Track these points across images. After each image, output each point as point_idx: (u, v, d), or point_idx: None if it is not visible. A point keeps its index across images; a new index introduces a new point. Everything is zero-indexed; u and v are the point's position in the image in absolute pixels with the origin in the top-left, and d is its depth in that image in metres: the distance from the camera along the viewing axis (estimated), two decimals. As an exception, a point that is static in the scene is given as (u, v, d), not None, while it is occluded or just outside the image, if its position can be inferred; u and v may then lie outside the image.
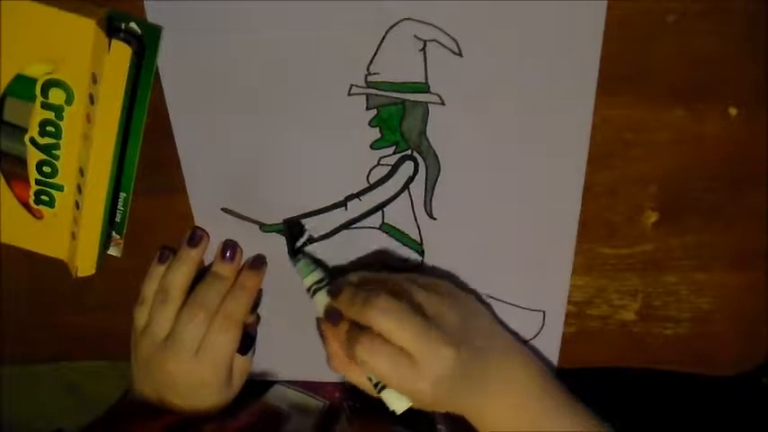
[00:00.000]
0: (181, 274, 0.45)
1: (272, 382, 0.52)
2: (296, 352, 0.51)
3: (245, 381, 0.49)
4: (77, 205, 0.42)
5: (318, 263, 0.47)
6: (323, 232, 0.46)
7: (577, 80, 0.40)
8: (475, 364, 0.41)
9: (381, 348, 0.40)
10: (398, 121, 0.42)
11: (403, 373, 0.40)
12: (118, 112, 0.40)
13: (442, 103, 0.41)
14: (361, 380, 0.43)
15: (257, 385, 0.51)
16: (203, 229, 0.46)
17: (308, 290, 0.45)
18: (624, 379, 0.53)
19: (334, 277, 0.45)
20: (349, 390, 0.52)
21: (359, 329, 0.41)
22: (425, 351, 0.39)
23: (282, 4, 0.38)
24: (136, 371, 0.47)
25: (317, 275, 0.45)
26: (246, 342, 0.46)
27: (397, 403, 0.42)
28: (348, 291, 0.42)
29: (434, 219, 0.45)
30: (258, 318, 0.49)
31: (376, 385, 0.42)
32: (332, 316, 0.43)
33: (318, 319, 0.46)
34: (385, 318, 0.39)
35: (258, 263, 0.47)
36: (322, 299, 0.44)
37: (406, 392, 0.41)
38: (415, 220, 0.45)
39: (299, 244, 0.46)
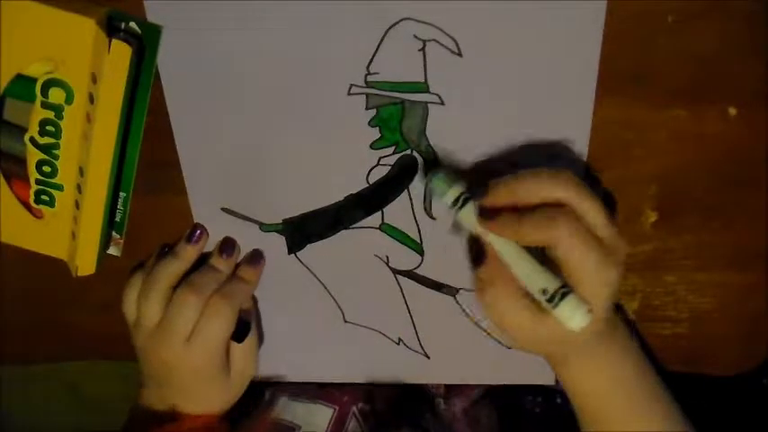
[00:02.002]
0: (169, 266, 0.44)
1: (274, 389, 0.52)
2: (296, 352, 0.51)
3: (249, 381, 0.48)
4: (77, 205, 0.42)
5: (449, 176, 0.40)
6: (322, 232, 0.46)
7: (577, 80, 0.40)
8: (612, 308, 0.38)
9: (582, 224, 0.35)
10: (398, 120, 0.42)
11: (607, 257, 0.35)
12: (118, 111, 0.40)
13: (442, 103, 0.41)
14: (517, 311, 0.37)
15: (260, 392, 0.51)
16: (204, 228, 0.46)
17: (455, 202, 0.38)
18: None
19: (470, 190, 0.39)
20: (358, 393, 0.52)
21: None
22: (614, 234, 0.36)
23: (282, 3, 0.38)
24: (140, 366, 0.47)
25: (460, 187, 0.39)
26: (241, 329, 0.45)
27: (579, 315, 0.35)
28: (505, 178, 0.37)
29: (434, 219, 0.45)
30: (255, 302, 0.49)
31: (551, 299, 0.36)
32: (491, 212, 0.37)
33: (472, 239, 0.42)
34: (582, 191, 0.35)
35: (255, 258, 0.46)
36: (468, 213, 0.38)
37: (598, 281, 0.35)
38: (415, 220, 0.45)
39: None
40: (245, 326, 0.46)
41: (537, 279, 0.36)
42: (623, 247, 0.37)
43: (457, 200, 0.38)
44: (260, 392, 0.51)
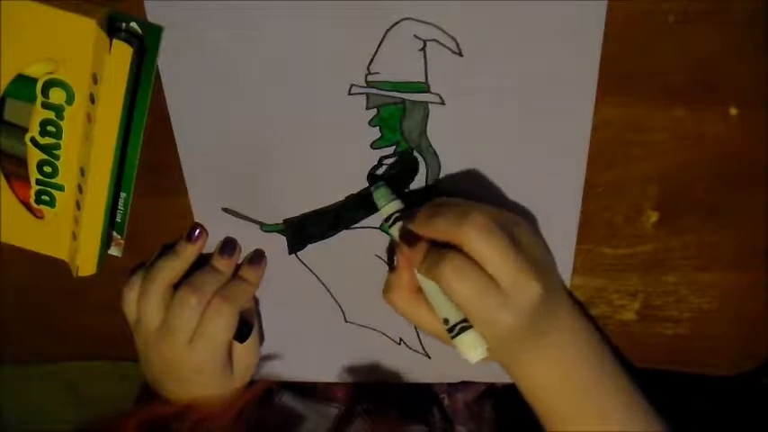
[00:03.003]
0: (169, 266, 0.44)
1: (279, 387, 0.52)
2: (297, 352, 0.51)
3: (250, 377, 0.48)
4: (78, 205, 0.42)
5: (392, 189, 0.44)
6: (323, 232, 0.46)
7: (577, 80, 0.40)
8: (546, 310, 0.39)
9: (471, 270, 0.37)
10: (399, 120, 0.42)
11: (489, 300, 0.37)
12: (118, 111, 0.40)
13: (442, 103, 0.41)
14: (424, 319, 0.41)
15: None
16: (203, 227, 0.46)
17: (387, 219, 0.42)
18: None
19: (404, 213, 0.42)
20: (361, 392, 0.52)
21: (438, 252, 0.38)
22: (517, 281, 0.37)
23: (282, 3, 0.38)
24: (142, 367, 0.47)
25: (396, 205, 0.42)
26: (243, 329, 0.46)
27: (473, 351, 0.38)
28: (434, 208, 0.39)
29: (435, 219, 0.45)
30: (257, 304, 0.49)
31: (451, 329, 0.39)
32: (410, 237, 0.40)
33: (392, 245, 0.44)
34: (481, 237, 0.36)
35: (257, 258, 0.46)
36: (395, 231, 0.42)
37: (486, 323, 0.38)
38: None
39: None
40: (247, 326, 0.46)
41: (442, 308, 0.40)
42: (529, 292, 0.37)
43: (389, 217, 0.42)
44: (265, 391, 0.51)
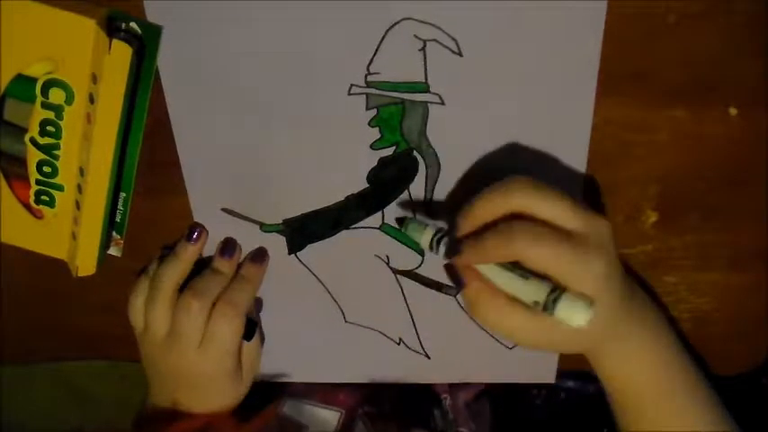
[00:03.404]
0: (172, 270, 0.44)
1: (281, 393, 0.52)
2: (297, 352, 0.51)
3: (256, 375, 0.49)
4: (78, 205, 0.42)
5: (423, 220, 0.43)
6: (322, 232, 0.46)
7: (577, 80, 0.40)
8: (621, 267, 0.37)
9: (542, 228, 0.34)
10: (398, 120, 0.42)
11: (574, 249, 0.34)
12: (118, 111, 0.40)
13: (442, 103, 0.41)
14: (512, 318, 0.36)
15: (266, 395, 0.51)
16: (203, 226, 0.46)
17: (431, 246, 0.40)
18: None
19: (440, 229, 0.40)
20: (361, 396, 0.52)
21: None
22: (587, 221, 0.34)
23: (282, 3, 0.38)
24: (147, 374, 0.47)
25: (432, 230, 0.40)
26: (249, 327, 0.46)
27: (578, 314, 0.34)
28: (469, 203, 0.37)
29: (435, 218, 0.45)
30: (260, 304, 0.49)
31: (545, 306, 0.35)
32: (456, 247, 0.37)
33: (450, 269, 0.43)
34: (533, 193, 0.35)
35: (259, 256, 0.46)
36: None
37: (580, 273, 0.34)
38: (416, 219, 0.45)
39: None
40: (252, 324, 0.47)
41: (525, 293, 0.36)
42: (601, 227, 0.35)
43: (431, 244, 0.40)
44: (266, 396, 0.51)
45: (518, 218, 0.35)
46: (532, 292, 0.36)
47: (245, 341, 0.46)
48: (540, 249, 0.34)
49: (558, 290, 0.35)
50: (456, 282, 0.44)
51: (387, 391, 0.52)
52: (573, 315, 0.34)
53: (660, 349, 0.40)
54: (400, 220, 0.43)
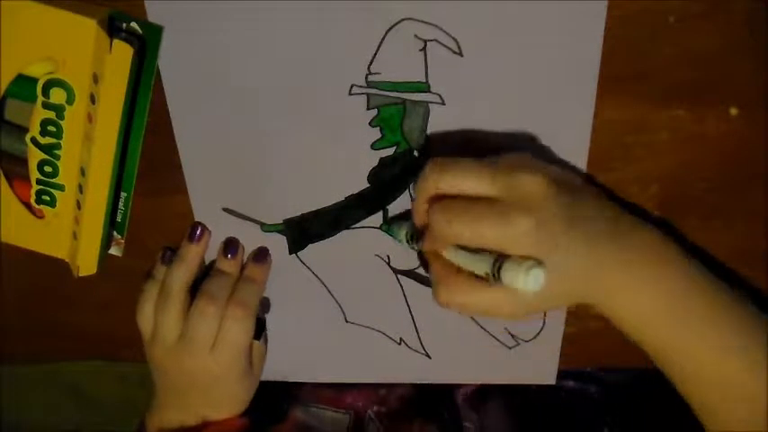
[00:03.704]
0: (181, 273, 0.44)
1: (288, 400, 0.52)
2: (298, 352, 0.51)
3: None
4: (79, 205, 0.42)
5: (404, 217, 0.44)
6: (323, 232, 0.46)
7: (577, 80, 0.40)
8: (582, 205, 0.36)
9: (456, 203, 0.35)
10: (399, 120, 0.42)
11: (492, 215, 0.34)
12: (119, 111, 0.40)
13: (443, 103, 0.41)
14: (480, 295, 0.36)
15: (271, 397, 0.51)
16: (204, 225, 0.46)
17: (408, 241, 0.42)
18: (623, 379, 0.53)
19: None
20: (372, 396, 0.52)
21: None
22: (503, 183, 0.34)
23: (283, 3, 0.38)
24: (156, 380, 0.47)
25: (406, 227, 0.42)
26: (257, 327, 0.46)
27: (522, 275, 0.32)
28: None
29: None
30: (267, 302, 0.49)
31: (494, 277, 0.34)
32: (415, 231, 0.40)
33: (422, 258, 0.44)
34: (441, 169, 0.35)
35: (261, 256, 0.46)
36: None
37: (507, 241, 0.34)
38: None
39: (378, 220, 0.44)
40: (260, 323, 0.47)
41: (477, 266, 0.35)
42: (522, 183, 0.34)
43: (407, 239, 0.42)
44: (274, 404, 0.51)
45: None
46: (482, 263, 0.35)
47: (255, 341, 0.46)
48: (459, 226, 0.34)
49: (501, 258, 0.34)
50: (425, 268, 0.44)
51: (394, 390, 0.52)
52: (518, 279, 0.33)
53: (667, 279, 0.37)
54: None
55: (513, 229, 0.34)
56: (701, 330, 0.37)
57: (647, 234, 0.38)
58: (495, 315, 0.37)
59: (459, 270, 0.37)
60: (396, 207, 0.45)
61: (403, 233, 0.42)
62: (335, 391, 0.52)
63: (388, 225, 0.44)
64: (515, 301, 0.36)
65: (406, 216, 0.44)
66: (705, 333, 0.37)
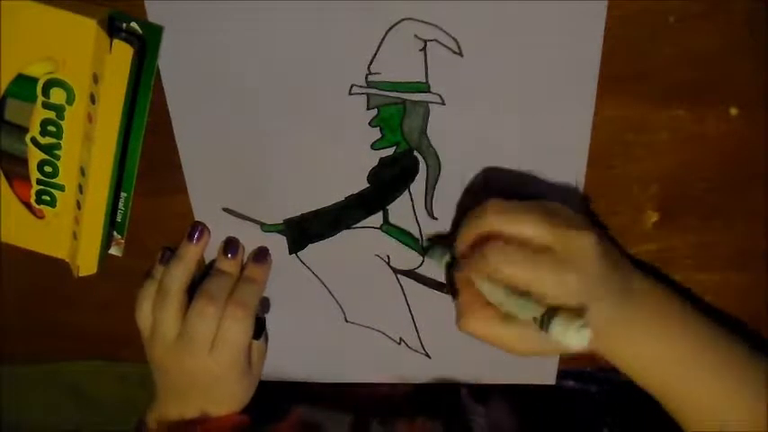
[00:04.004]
0: (179, 272, 0.45)
1: (290, 396, 0.52)
2: (298, 352, 0.51)
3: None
4: (79, 205, 0.42)
5: (445, 244, 0.44)
6: (323, 232, 0.46)
7: (577, 80, 0.40)
8: (611, 262, 0.38)
9: (512, 247, 0.36)
10: (399, 120, 0.42)
11: (545, 265, 0.36)
12: (119, 111, 0.40)
13: (443, 103, 0.41)
14: (501, 331, 0.39)
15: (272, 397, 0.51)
16: (204, 224, 0.46)
17: (447, 267, 0.43)
18: (623, 379, 0.53)
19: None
20: (373, 395, 0.52)
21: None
22: (560, 236, 0.36)
23: (283, 3, 0.38)
24: (156, 378, 0.47)
25: (448, 254, 0.43)
26: (257, 326, 0.46)
27: (571, 333, 0.35)
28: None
29: (435, 218, 0.45)
30: (267, 301, 0.49)
31: (542, 323, 0.36)
32: (458, 264, 0.40)
33: (448, 279, 0.45)
34: (503, 213, 0.37)
35: (261, 256, 0.46)
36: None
37: (557, 292, 0.36)
38: (416, 219, 0.45)
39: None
40: (260, 322, 0.47)
41: (523, 310, 0.37)
42: (576, 239, 0.36)
43: (446, 267, 0.43)
44: (275, 402, 0.51)
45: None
46: (532, 309, 0.37)
47: (254, 340, 0.46)
48: (511, 268, 0.36)
49: (552, 310, 0.36)
50: (451, 289, 0.45)
51: (397, 388, 0.52)
52: (565, 336, 0.35)
53: (669, 328, 0.40)
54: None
55: (561, 282, 0.36)
56: (703, 377, 0.40)
57: (653, 290, 0.41)
58: (509, 350, 0.39)
59: (486, 303, 0.39)
60: (395, 207, 0.45)
61: (444, 261, 0.43)
62: (337, 390, 0.52)
63: (428, 247, 0.45)
64: (531, 343, 0.38)
65: (445, 239, 0.45)
66: (707, 380, 0.40)
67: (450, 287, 0.45)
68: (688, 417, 0.41)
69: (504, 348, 0.39)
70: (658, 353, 0.40)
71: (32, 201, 0.42)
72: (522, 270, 0.36)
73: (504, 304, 0.38)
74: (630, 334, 0.39)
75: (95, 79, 0.39)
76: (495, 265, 0.36)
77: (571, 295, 0.36)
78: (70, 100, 0.39)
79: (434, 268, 0.46)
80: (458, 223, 0.42)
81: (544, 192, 0.43)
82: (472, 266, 0.38)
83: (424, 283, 0.47)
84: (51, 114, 0.39)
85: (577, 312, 0.36)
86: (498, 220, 0.37)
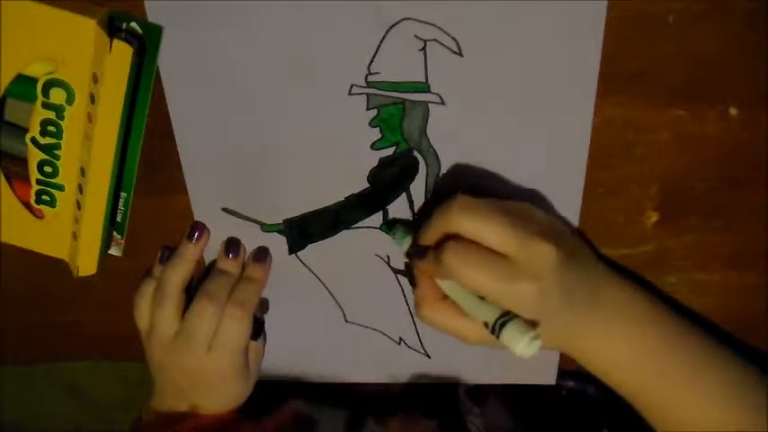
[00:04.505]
0: (178, 271, 0.45)
1: (286, 395, 0.52)
2: (297, 352, 0.51)
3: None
4: (78, 205, 0.42)
5: (408, 225, 0.44)
6: (323, 232, 0.46)
7: (577, 80, 0.40)
8: (577, 273, 0.38)
9: (471, 250, 0.36)
10: (399, 120, 0.42)
11: (500, 273, 0.35)
12: (119, 111, 0.40)
13: (442, 103, 0.41)
14: (464, 327, 0.39)
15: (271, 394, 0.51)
16: (203, 224, 0.46)
17: (407, 254, 0.43)
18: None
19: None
20: (370, 392, 0.52)
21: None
22: (521, 245, 0.36)
23: (282, 3, 0.38)
24: (154, 376, 0.47)
25: (410, 239, 0.42)
26: (256, 327, 0.46)
27: (521, 343, 0.35)
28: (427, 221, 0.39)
29: (435, 218, 0.45)
30: (266, 302, 0.49)
31: (494, 329, 0.36)
32: (418, 250, 0.40)
33: (406, 265, 0.45)
34: (468, 214, 0.36)
35: (261, 255, 0.47)
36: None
37: (510, 300, 0.36)
38: (416, 219, 0.45)
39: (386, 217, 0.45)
40: (258, 323, 0.47)
41: (476, 311, 0.38)
42: (536, 252, 0.36)
43: (408, 252, 0.42)
44: (270, 396, 0.51)
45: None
46: (483, 312, 0.37)
47: (252, 341, 0.46)
48: (466, 272, 0.36)
49: (505, 316, 0.36)
50: (411, 279, 0.46)
51: (394, 384, 0.52)
52: (515, 344, 0.36)
53: (640, 335, 0.40)
54: (390, 223, 0.45)
55: (518, 292, 0.36)
56: (675, 380, 0.40)
57: (624, 296, 0.41)
58: (465, 341, 0.40)
59: (444, 297, 0.40)
60: (395, 207, 0.45)
61: (407, 244, 0.43)
62: (333, 387, 0.52)
63: (392, 226, 0.45)
64: (487, 337, 0.38)
65: (410, 224, 0.45)
66: (680, 382, 0.40)
67: (408, 276, 0.44)
68: (661, 420, 0.41)
69: (456, 338, 0.40)
70: (625, 361, 0.40)
71: (32, 201, 0.42)
72: (477, 276, 0.36)
73: (460, 302, 0.39)
74: (597, 343, 0.39)
75: (95, 79, 0.39)
76: (452, 269, 0.36)
77: (526, 306, 0.36)
78: (70, 100, 0.39)
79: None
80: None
81: (542, 192, 0.43)
82: (430, 266, 0.38)
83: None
84: (51, 114, 0.39)
85: (531, 322, 0.36)
86: (462, 218, 0.36)
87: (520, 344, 0.35)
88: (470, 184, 0.43)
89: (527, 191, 0.43)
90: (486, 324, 0.37)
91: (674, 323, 0.41)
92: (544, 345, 0.36)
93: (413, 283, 0.44)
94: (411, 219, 0.45)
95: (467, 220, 0.36)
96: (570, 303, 0.38)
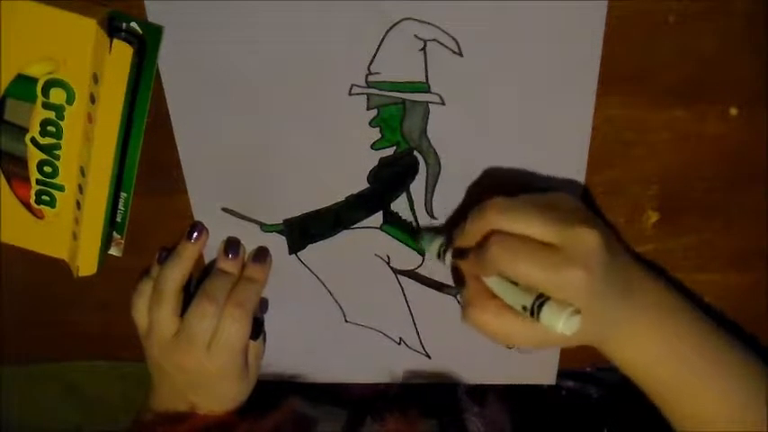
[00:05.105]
0: (175, 270, 0.45)
1: (285, 394, 0.52)
2: (297, 352, 0.51)
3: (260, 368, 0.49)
4: (78, 205, 0.42)
5: (437, 230, 0.44)
6: (323, 232, 0.46)
7: (577, 80, 0.40)
8: (614, 261, 0.37)
9: (517, 242, 0.36)
10: (399, 120, 0.42)
11: (549, 261, 0.35)
12: (119, 111, 0.40)
13: (443, 103, 0.41)
14: (505, 320, 0.38)
15: (271, 394, 0.51)
16: (202, 224, 0.46)
17: (438, 255, 0.42)
18: (623, 379, 0.53)
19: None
20: (369, 392, 0.52)
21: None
22: (566, 234, 0.36)
23: (282, 3, 0.38)
24: (152, 375, 0.47)
25: (441, 239, 0.42)
26: (255, 327, 0.46)
27: (561, 320, 0.35)
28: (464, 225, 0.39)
29: (435, 218, 0.45)
30: (265, 302, 0.49)
31: (532, 312, 0.36)
32: (460, 253, 0.40)
33: (455, 273, 0.44)
34: (506, 211, 0.36)
35: (261, 255, 0.47)
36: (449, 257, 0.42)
37: (559, 287, 0.36)
38: (416, 219, 0.45)
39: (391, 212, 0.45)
40: (258, 323, 0.47)
41: (515, 299, 0.38)
42: (580, 237, 0.36)
43: (440, 253, 0.42)
44: (269, 396, 0.51)
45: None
46: (521, 296, 0.37)
47: (252, 340, 0.46)
48: (515, 265, 0.36)
49: (543, 297, 0.36)
50: (458, 283, 0.45)
51: (393, 386, 0.52)
52: (555, 322, 0.36)
53: (672, 327, 0.40)
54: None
55: (569, 279, 0.36)
56: (701, 373, 0.40)
57: (655, 287, 0.41)
58: (512, 343, 0.40)
59: (493, 296, 0.39)
60: (395, 207, 0.45)
61: (436, 247, 0.42)
62: (332, 386, 0.52)
63: (418, 235, 0.44)
64: (535, 335, 0.38)
65: (436, 229, 0.44)
66: (705, 380, 0.40)
67: (454, 277, 0.44)
68: (682, 415, 0.41)
69: (504, 340, 0.39)
70: (658, 352, 0.40)
71: (32, 201, 0.42)
72: (526, 267, 0.36)
73: (502, 293, 0.38)
74: (631, 333, 0.39)
75: (95, 79, 0.39)
76: (500, 262, 0.36)
77: (577, 293, 0.36)
78: (70, 100, 0.39)
79: (434, 266, 0.46)
80: (456, 222, 0.42)
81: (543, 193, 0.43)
82: (473, 264, 0.38)
83: (424, 284, 0.47)
84: (51, 114, 0.39)
85: (568, 303, 0.36)
86: (500, 219, 0.37)
87: (561, 320, 0.35)
88: (470, 183, 0.43)
89: (526, 191, 0.43)
90: (524, 308, 0.37)
91: (696, 315, 0.42)
92: (578, 334, 0.36)
93: (458, 285, 0.44)
94: (410, 220, 0.45)
95: (506, 219, 0.37)
96: (608, 291, 0.37)
